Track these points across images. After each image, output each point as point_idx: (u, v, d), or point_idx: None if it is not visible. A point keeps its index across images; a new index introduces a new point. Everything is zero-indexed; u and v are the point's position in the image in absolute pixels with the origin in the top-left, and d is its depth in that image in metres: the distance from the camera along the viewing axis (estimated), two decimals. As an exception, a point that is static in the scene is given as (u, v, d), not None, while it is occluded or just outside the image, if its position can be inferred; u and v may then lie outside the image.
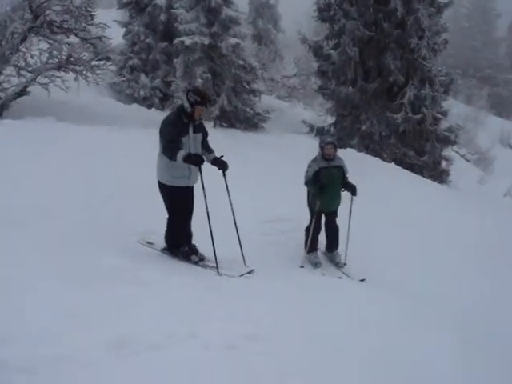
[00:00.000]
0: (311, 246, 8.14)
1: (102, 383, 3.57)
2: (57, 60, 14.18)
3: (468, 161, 26.52)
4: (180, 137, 6.33)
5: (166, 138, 6.31)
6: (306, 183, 7.95)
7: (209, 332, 4.43)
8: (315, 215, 8.02)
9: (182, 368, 3.86)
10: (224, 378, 3.86)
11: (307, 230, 8.15)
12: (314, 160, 7.99)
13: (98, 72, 14.82)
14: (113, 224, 7.22)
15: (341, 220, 8.19)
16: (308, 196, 8.20)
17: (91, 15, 14.55)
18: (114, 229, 7.12)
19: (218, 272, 6.50)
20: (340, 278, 7.72)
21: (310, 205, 8.14)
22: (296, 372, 4.06)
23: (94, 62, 14.86)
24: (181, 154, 6.16)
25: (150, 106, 20.13)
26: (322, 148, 7.94)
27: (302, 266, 7.90)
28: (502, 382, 4.81)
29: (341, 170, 8.02)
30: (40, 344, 3.79)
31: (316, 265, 8.06)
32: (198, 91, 6.63)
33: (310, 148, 11.74)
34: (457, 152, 23.88)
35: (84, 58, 14.53)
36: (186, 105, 6.41)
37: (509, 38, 61.64)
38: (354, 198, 8.03)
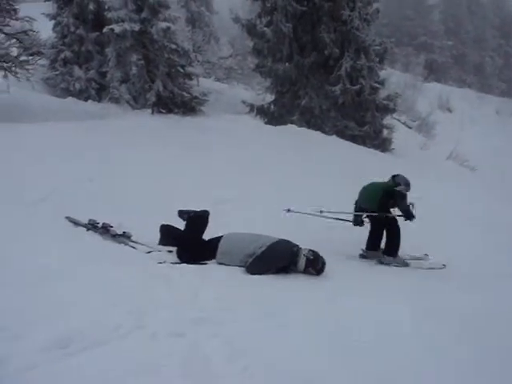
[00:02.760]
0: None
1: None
2: (-18, 58, 13.70)
3: (410, 128, 26.92)
4: None
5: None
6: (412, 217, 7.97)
7: (156, 321, 4.35)
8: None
9: (130, 361, 3.76)
10: (174, 365, 3.79)
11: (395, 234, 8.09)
12: (406, 192, 8.00)
13: (27, 67, 14.33)
14: (49, 221, 6.93)
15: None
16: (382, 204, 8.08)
17: (14, 9, 14.05)
18: (50, 226, 6.79)
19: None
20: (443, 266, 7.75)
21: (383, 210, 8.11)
22: (246, 351, 4.03)
23: (23, 58, 14.36)
24: None
25: (86, 99, 19.61)
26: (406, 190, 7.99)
27: None
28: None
29: None
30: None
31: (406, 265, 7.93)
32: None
33: (251, 128, 11.68)
34: (398, 119, 24.22)
35: (11, 53, 14.03)
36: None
37: (441, 5, 62.46)
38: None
